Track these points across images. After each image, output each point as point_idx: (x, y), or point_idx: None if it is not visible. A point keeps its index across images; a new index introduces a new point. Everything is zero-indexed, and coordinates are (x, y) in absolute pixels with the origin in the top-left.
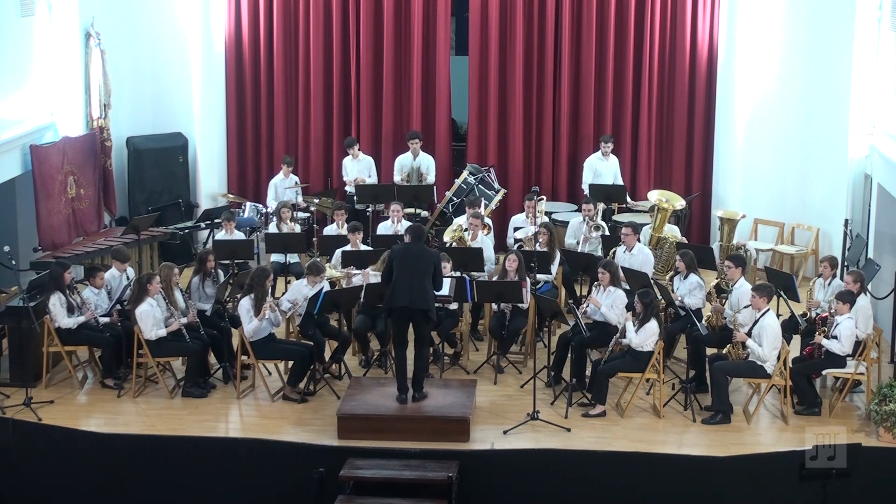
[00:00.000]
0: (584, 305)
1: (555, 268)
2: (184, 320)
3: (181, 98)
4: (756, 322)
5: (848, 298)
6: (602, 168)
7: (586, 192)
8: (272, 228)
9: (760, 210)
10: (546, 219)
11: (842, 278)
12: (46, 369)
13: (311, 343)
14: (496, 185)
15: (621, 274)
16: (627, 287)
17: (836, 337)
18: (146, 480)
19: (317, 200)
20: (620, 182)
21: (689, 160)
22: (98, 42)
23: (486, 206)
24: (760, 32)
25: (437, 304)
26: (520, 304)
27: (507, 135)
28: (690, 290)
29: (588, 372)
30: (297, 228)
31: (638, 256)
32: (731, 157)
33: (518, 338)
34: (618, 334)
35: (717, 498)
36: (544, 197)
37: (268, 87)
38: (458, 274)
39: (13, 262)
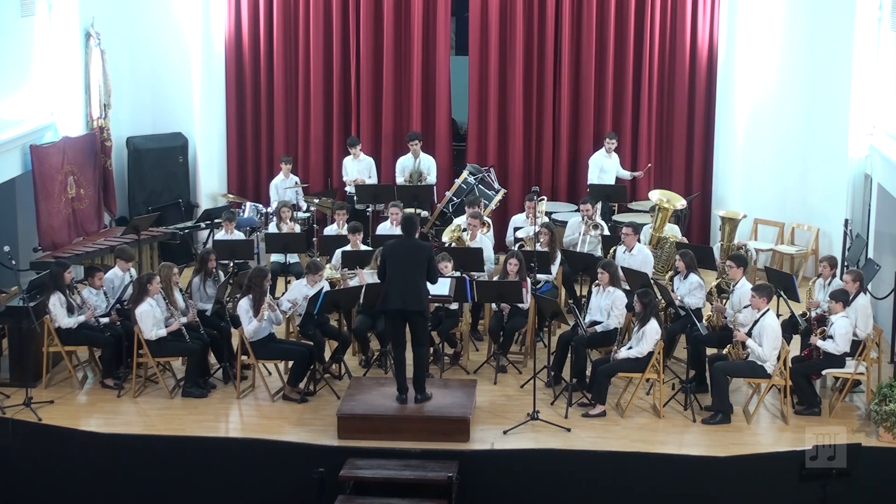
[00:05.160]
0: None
1: (555, 268)
2: (184, 320)
3: (181, 98)
4: (756, 322)
5: (842, 297)
6: (607, 165)
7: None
8: (272, 228)
9: (760, 210)
10: (546, 219)
11: (841, 278)
12: (46, 369)
13: (311, 343)
14: (496, 185)
15: (621, 274)
16: (627, 287)
17: (831, 337)
18: (146, 480)
19: (317, 200)
20: (624, 174)
21: (689, 160)
22: (98, 42)
23: (485, 206)
24: (760, 32)
25: (437, 305)
26: (520, 305)
27: (507, 135)
28: (690, 289)
29: (588, 372)
30: (297, 228)
31: (637, 256)
32: (731, 157)
33: (517, 337)
34: (616, 343)
35: (718, 498)
36: (545, 197)
37: (268, 87)
38: (458, 274)
39: (13, 262)
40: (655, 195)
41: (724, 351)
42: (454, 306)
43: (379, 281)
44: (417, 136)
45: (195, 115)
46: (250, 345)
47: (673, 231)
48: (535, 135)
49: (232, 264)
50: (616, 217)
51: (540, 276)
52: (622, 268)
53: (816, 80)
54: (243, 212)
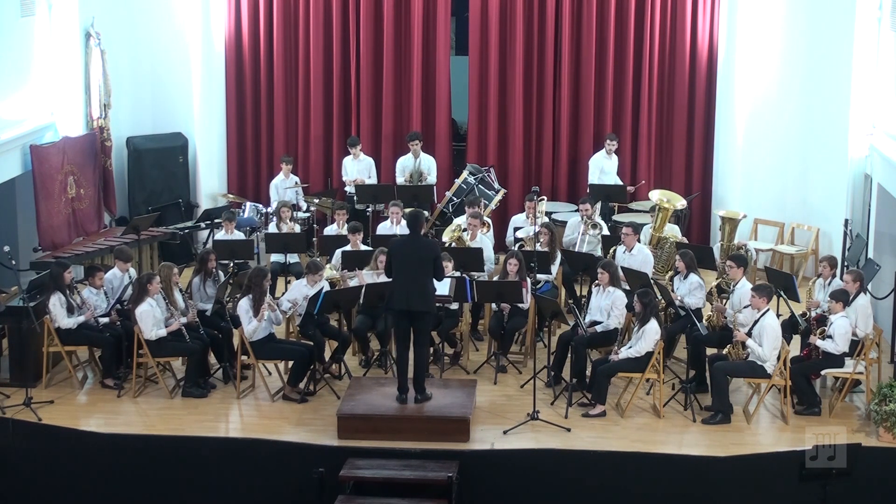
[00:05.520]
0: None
1: (555, 268)
2: (184, 320)
3: (181, 98)
4: (756, 322)
5: (842, 297)
6: (608, 167)
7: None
8: (272, 228)
9: (760, 210)
10: (546, 219)
11: (842, 278)
12: (46, 369)
13: (311, 343)
14: (496, 185)
15: (621, 274)
16: (627, 287)
17: (831, 336)
18: (146, 480)
19: (317, 200)
20: (620, 183)
21: (689, 160)
22: (98, 42)
23: (485, 206)
24: (760, 32)
25: (437, 304)
26: (520, 305)
27: (507, 135)
28: (690, 289)
29: (588, 372)
30: (297, 228)
31: (637, 256)
32: (731, 157)
33: (517, 337)
34: (617, 343)
35: (718, 498)
36: (545, 197)
37: (268, 87)
38: (458, 274)
39: (13, 262)
40: (655, 195)
41: (724, 351)
42: (454, 306)
43: (385, 278)
44: (418, 135)
45: (195, 115)
46: (250, 345)
47: (673, 231)
48: (535, 135)
49: (232, 264)
50: (616, 217)
51: (540, 276)
52: (622, 268)
53: (816, 80)
54: (243, 212)
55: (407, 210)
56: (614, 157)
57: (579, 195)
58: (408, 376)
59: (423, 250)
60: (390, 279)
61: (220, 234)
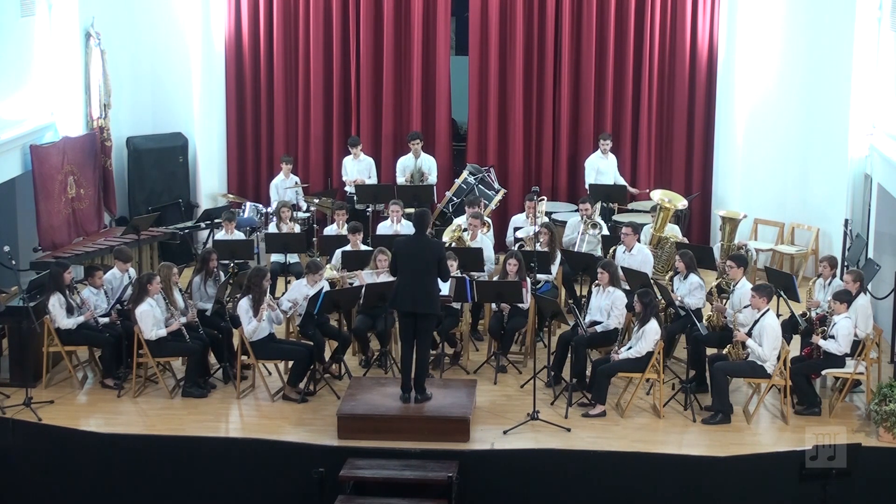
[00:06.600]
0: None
1: (555, 268)
2: (183, 319)
3: (181, 98)
4: (756, 322)
5: (845, 298)
6: (604, 167)
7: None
8: (272, 228)
9: (760, 210)
10: (546, 219)
11: (842, 278)
12: (46, 369)
13: (311, 343)
14: (496, 185)
15: (621, 274)
16: (627, 287)
17: (833, 336)
18: (146, 480)
19: (317, 200)
20: (621, 181)
21: (689, 160)
22: (98, 42)
23: (485, 206)
24: (760, 32)
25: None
26: (520, 305)
27: (507, 135)
28: (690, 290)
29: (588, 372)
30: (297, 228)
31: (637, 256)
32: (731, 157)
33: (517, 337)
34: (617, 343)
35: (718, 498)
36: (545, 197)
37: (268, 87)
38: (458, 274)
39: (13, 262)
40: (657, 195)
41: (724, 351)
42: (455, 306)
43: (385, 278)
44: (419, 135)
45: (195, 115)
46: (250, 345)
47: (673, 231)
48: (535, 135)
49: (232, 264)
50: (616, 217)
51: (540, 276)
52: (622, 268)
53: (816, 80)
54: (243, 212)
55: (411, 210)
56: (611, 157)
57: (579, 195)
58: (411, 375)
59: (429, 251)
60: (394, 278)
61: (220, 234)
